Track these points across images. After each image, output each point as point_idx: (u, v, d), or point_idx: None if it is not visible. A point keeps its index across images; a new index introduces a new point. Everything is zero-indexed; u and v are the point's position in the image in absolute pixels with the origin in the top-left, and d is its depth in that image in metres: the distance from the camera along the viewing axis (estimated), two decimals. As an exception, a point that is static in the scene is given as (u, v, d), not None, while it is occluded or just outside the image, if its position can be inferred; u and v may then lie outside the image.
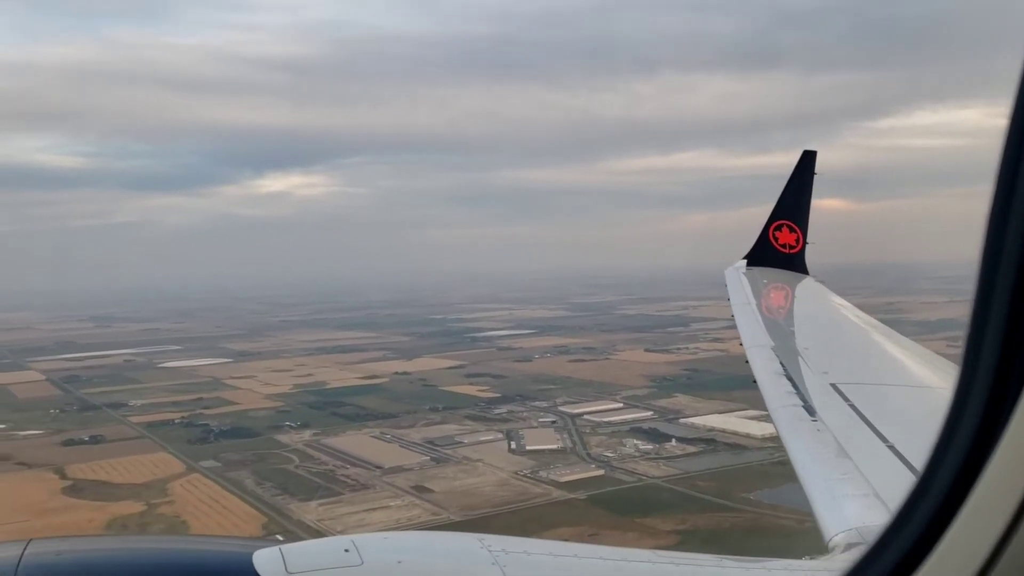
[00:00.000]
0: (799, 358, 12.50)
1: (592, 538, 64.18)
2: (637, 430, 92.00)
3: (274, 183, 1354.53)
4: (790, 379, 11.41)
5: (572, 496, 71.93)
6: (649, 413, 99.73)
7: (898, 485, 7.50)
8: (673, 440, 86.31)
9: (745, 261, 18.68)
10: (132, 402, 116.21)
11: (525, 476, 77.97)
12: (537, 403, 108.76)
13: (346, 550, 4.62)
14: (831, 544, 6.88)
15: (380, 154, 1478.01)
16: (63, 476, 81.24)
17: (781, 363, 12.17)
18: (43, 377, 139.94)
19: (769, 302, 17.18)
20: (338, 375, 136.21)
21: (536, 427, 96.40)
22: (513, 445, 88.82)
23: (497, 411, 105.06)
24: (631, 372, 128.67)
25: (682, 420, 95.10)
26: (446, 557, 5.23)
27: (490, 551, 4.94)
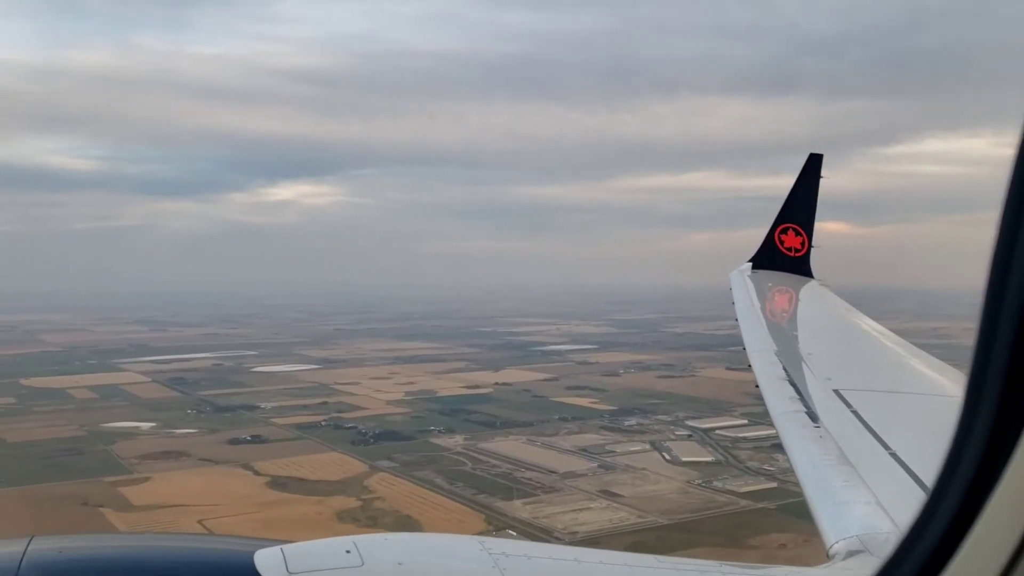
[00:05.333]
0: (802, 363, 12.44)
1: (806, 544, 69.02)
2: (780, 446, 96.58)
3: (284, 192, 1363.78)
4: (793, 384, 11.39)
5: (760, 506, 76.55)
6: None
7: (900, 493, 7.59)
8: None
9: (750, 264, 18.68)
10: (261, 404, 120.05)
11: (700, 485, 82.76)
12: (659, 417, 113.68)
13: (347, 551, 4.73)
14: (832, 551, 6.90)
15: (392, 166, 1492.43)
16: (255, 472, 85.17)
17: (784, 368, 12.14)
18: (147, 379, 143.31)
19: (773, 306, 17.17)
20: (439, 384, 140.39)
21: (676, 440, 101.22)
22: (666, 456, 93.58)
23: (627, 423, 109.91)
24: (728, 390, 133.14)
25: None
26: (447, 559, 5.35)
27: (490, 554, 5.05)
